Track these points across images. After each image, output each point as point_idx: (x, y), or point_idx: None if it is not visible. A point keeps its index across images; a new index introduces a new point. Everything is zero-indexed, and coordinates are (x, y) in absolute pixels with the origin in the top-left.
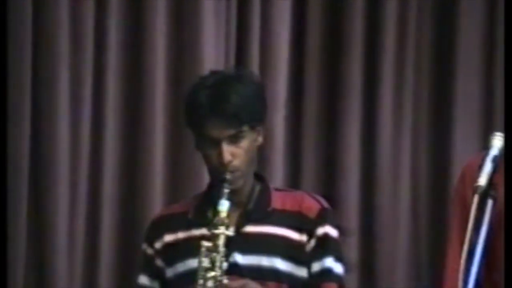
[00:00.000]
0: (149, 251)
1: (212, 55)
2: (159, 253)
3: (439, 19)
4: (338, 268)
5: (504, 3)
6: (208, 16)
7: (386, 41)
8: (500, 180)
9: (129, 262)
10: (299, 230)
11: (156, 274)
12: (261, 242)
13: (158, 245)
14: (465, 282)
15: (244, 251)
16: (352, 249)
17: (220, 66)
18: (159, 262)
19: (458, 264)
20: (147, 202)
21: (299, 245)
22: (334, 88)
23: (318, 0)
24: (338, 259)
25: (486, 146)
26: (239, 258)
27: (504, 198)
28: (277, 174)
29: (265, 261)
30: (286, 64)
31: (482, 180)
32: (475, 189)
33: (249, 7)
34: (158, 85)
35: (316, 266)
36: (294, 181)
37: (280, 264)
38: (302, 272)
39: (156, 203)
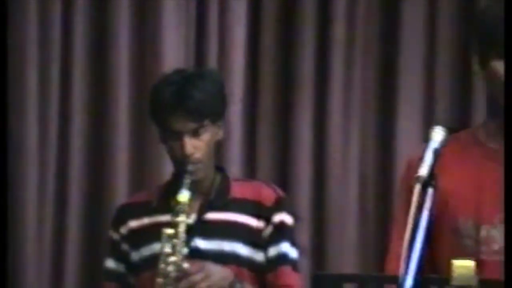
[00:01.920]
0: (115, 236)
1: (173, 52)
2: (125, 238)
3: (385, 18)
4: (293, 252)
5: (504, 3)
6: (169, 15)
7: (336, 39)
8: (440, 171)
9: (95, 251)
10: (257, 217)
11: (122, 257)
12: (222, 229)
13: (123, 230)
14: (407, 264)
15: (206, 237)
16: (305, 235)
17: (180, 62)
18: (124, 247)
19: (401, 248)
20: (112, 194)
21: (257, 231)
22: (287, 83)
23: (272, 1)
24: (293, 244)
25: (427, 139)
26: (201, 244)
27: (504, 198)
28: (234, 164)
29: (226, 246)
30: (243, 60)
31: (423, 171)
32: (416, 179)
33: (207, 5)
34: (122, 82)
35: (272, 251)
36: (250, 171)
37: (241, 249)
38: (260, 256)
39: (121, 194)
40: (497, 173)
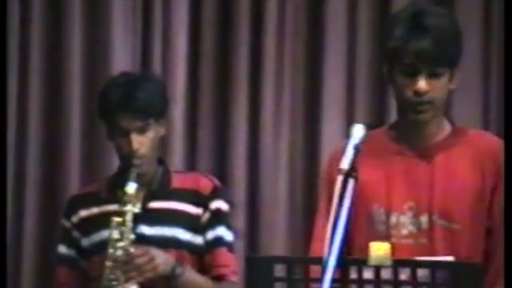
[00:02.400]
0: (67, 224)
1: (121, 55)
2: (75, 226)
3: (310, 25)
4: (228, 236)
5: (504, 3)
6: (117, 24)
7: (268, 44)
8: (360, 164)
9: (50, 238)
10: (196, 204)
11: (73, 243)
12: (164, 216)
13: (74, 219)
14: (330, 247)
15: (150, 224)
16: (240, 221)
17: (127, 66)
18: (75, 234)
19: (324, 233)
20: (65, 186)
21: (196, 217)
22: (224, 85)
23: (210, 11)
24: (229, 228)
25: (348, 135)
26: (146, 230)
27: (504, 198)
28: (177, 157)
29: (167, 231)
30: (185, 63)
31: (345, 164)
32: (339, 171)
33: (152, 15)
34: (75, 83)
35: (210, 234)
36: (191, 163)
37: (181, 234)
38: (199, 240)
39: (73, 186)
40: (406, 167)
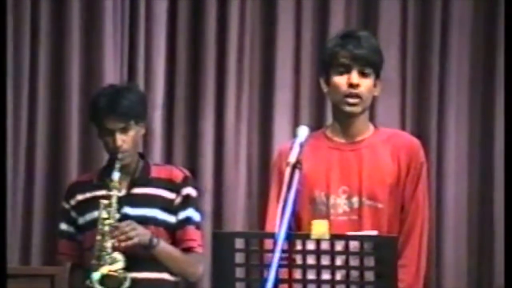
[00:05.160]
0: (67, 206)
1: (111, 72)
2: (73, 207)
3: (264, 49)
4: (196, 216)
5: (504, 3)
6: (109, 45)
7: (229, 64)
8: (304, 158)
9: (54, 217)
10: (170, 190)
11: (71, 221)
12: (144, 200)
13: (72, 202)
14: (281, 225)
15: (133, 206)
16: (207, 204)
17: (117, 80)
18: (73, 214)
19: (276, 213)
20: (66, 175)
21: (170, 201)
22: (194, 95)
23: (184, 38)
24: (197, 210)
25: (295, 134)
26: (129, 210)
27: (504, 195)
28: (157, 153)
29: (147, 212)
30: (163, 78)
31: (293, 158)
32: (287, 163)
33: (137, 38)
34: (74, 92)
35: (181, 215)
36: (168, 157)
37: (158, 214)
38: (172, 219)
39: (72, 175)
40: (340, 159)
